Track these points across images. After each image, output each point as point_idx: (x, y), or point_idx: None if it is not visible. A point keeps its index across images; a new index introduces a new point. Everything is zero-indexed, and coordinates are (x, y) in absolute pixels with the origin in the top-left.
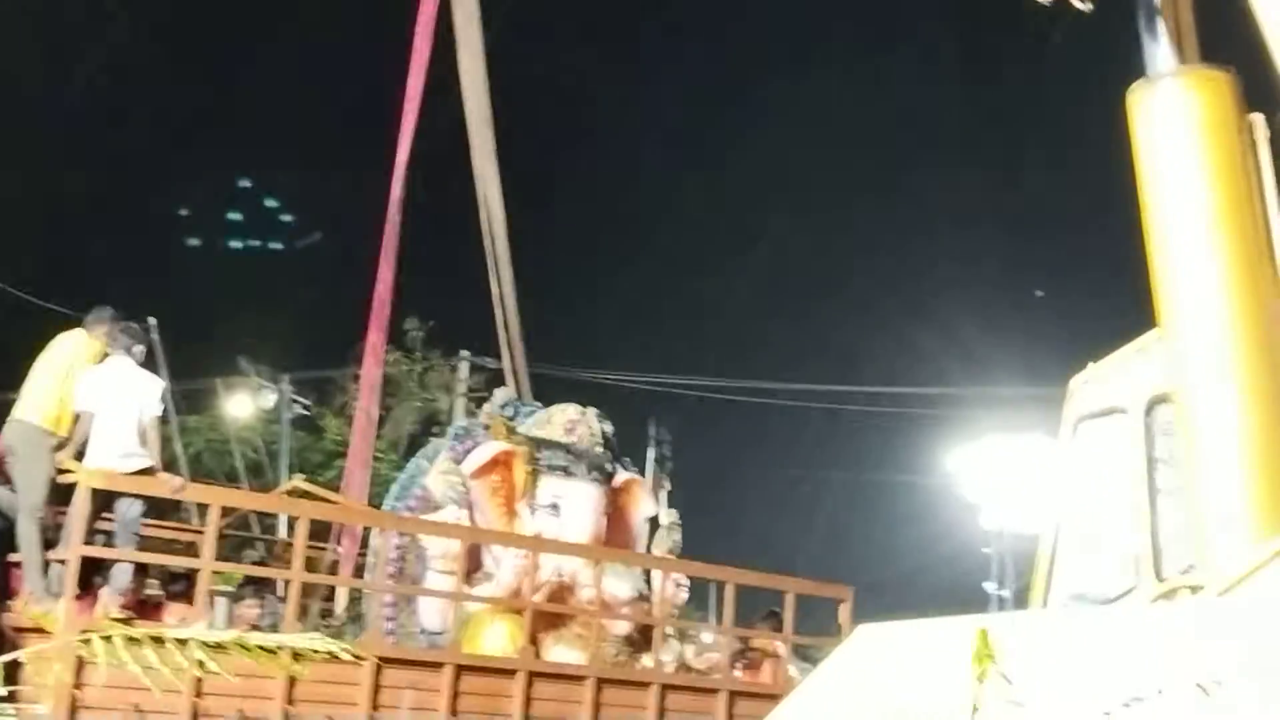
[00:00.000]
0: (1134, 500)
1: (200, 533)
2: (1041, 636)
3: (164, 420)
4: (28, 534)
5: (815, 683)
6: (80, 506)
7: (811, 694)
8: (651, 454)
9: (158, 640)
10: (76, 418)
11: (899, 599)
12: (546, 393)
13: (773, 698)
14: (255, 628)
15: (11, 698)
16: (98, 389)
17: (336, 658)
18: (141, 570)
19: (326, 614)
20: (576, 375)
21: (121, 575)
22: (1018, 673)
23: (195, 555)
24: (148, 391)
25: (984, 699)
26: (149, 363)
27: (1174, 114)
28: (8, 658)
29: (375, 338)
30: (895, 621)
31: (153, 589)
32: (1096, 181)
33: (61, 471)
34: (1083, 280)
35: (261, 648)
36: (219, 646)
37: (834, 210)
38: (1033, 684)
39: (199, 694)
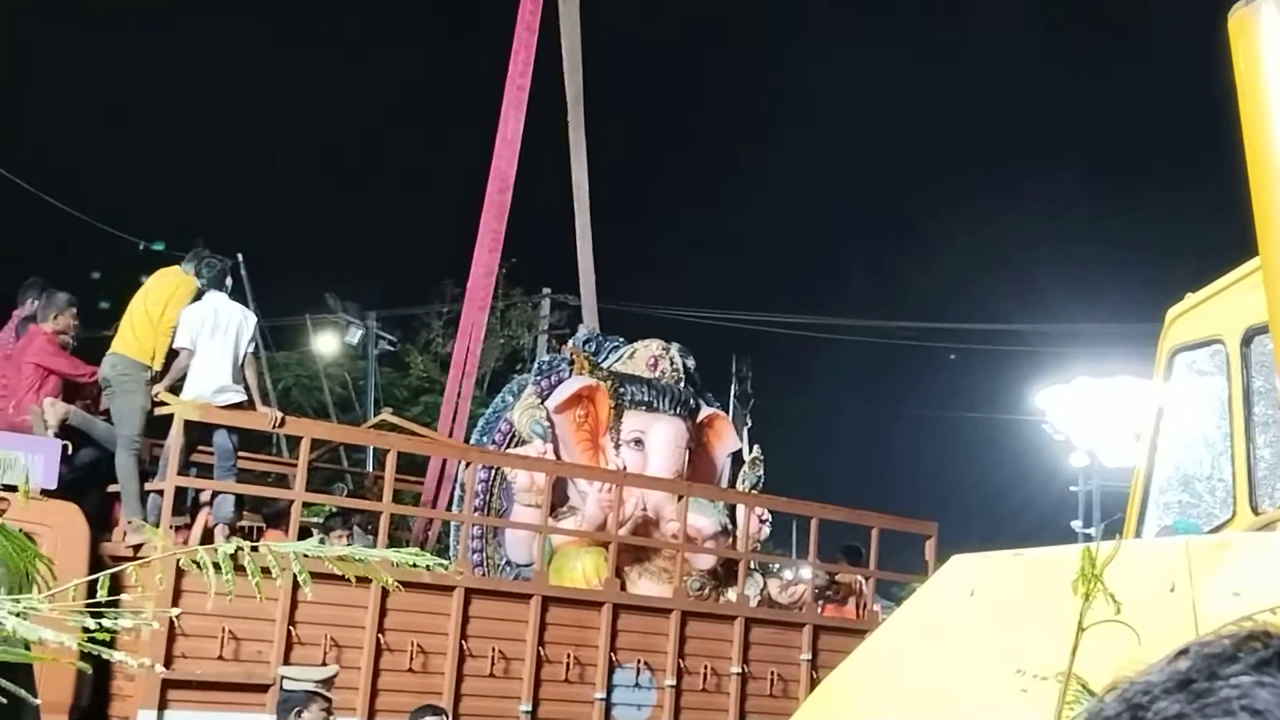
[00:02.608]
0: (1230, 433)
1: (292, 465)
2: (1146, 561)
3: (255, 355)
4: (125, 465)
5: (909, 611)
6: (175, 439)
7: (906, 622)
8: (734, 390)
9: (255, 550)
10: (173, 353)
11: (986, 536)
12: (631, 329)
13: (857, 632)
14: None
15: (115, 605)
16: (196, 326)
17: (429, 585)
18: (238, 502)
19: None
20: (661, 312)
21: (225, 505)
22: (1123, 595)
23: (287, 487)
24: (243, 329)
25: (1090, 619)
26: (237, 297)
27: (1275, 35)
28: (113, 570)
29: (474, 317)
30: (988, 552)
31: (248, 520)
32: (1194, 115)
33: (157, 404)
34: (1180, 221)
35: (358, 560)
36: (315, 561)
37: (922, 148)
38: (1138, 606)
39: (292, 621)
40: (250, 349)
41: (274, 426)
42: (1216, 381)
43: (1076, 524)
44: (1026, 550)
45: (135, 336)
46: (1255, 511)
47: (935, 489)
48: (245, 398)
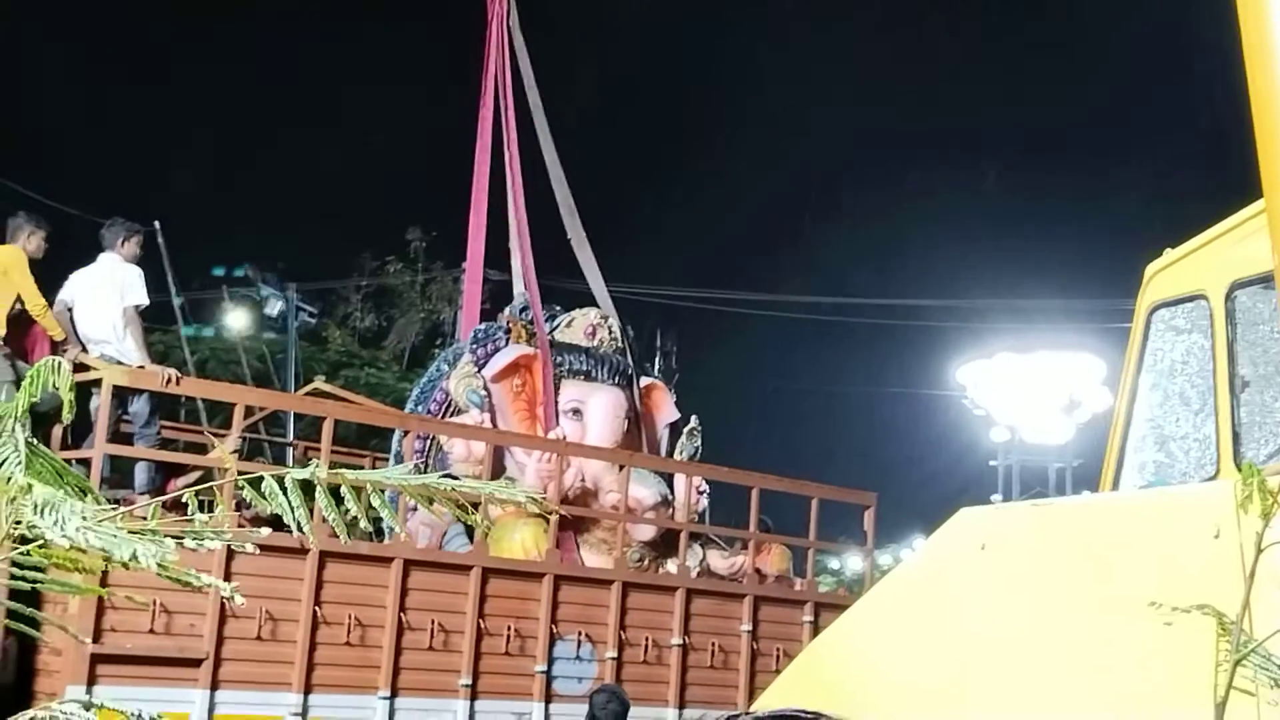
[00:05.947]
0: (1214, 388)
1: (217, 434)
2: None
3: (137, 309)
4: None
5: (911, 568)
6: (105, 404)
7: (907, 579)
8: (659, 365)
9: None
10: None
11: (907, 508)
12: (558, 303)
13: (795, 603)
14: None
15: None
16: (75, 285)
17: (366, 556)
18: (157, 469)
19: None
20: (584, 286)
21: (142, 473)
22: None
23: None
24: (126, 283)
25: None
26: (154, 265)
27: None
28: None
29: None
30: (993, 505)
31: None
32: (1114, 95)
33: (77, 367)
34: (1098, 199)
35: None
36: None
37: (849, 129)
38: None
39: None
40: (132, 304)
41: (167, 385)
42: (1195, 339)
43: (997, 498)
44: (1043, 500)
45: None
46: (1239, 469)
47: (858, 463)
48: (132, 360)
